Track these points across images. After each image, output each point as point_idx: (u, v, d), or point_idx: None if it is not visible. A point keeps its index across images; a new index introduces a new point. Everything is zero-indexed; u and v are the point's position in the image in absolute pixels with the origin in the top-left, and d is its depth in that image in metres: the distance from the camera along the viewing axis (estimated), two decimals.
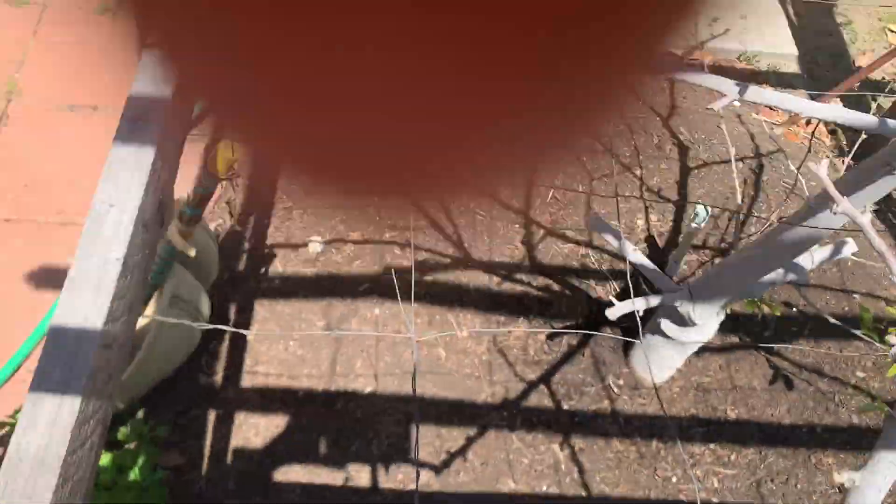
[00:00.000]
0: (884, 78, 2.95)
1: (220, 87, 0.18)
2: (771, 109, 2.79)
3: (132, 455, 1.66)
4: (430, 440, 1.84)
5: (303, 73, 0.16)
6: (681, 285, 1.76)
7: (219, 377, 1.94)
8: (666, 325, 1.81)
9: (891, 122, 0.90)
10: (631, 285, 1.81)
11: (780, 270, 1.71)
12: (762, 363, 2.10)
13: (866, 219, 0.73)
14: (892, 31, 3.16)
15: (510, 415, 1.92)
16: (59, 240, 2.07)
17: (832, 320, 1.76)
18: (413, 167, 0.20)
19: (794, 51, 2.95)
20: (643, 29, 0.16)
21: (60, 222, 2.12)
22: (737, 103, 2.92)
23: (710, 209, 1.83)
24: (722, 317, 1.79)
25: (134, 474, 1.64)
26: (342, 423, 1.85)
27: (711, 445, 1.96)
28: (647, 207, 2.31)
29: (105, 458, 1.62)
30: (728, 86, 0.92)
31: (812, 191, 2.16)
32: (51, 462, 0.75)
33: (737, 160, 2.43)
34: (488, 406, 1.93)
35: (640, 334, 1.34)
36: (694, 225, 1.83)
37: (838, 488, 0.57)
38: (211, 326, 1.12)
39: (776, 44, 2.98)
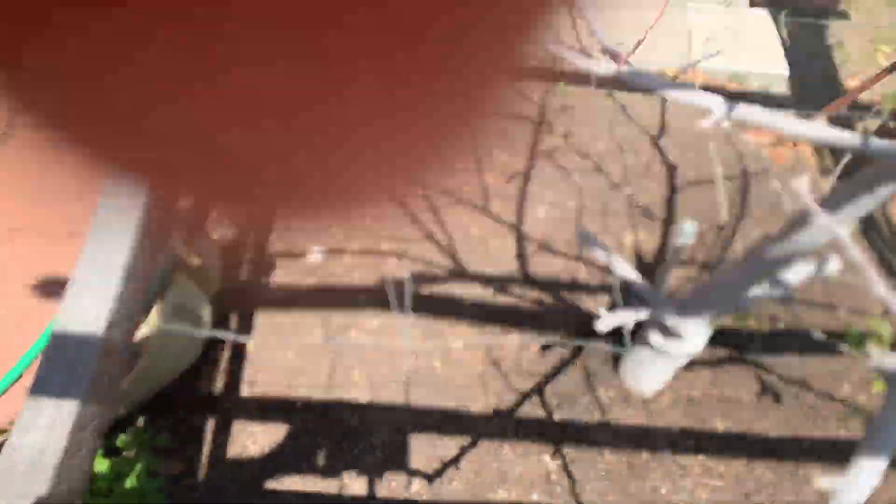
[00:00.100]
0: (873, 100, 3.02)
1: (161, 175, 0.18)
2: (759, 129, 2.85)
3: (130, 462, 1.70)
4: (424, 449, 1.88)
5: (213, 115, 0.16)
6: (669, 299, 1.81)
7: (219, 386, 1.98)
8: (654, 337, 1.86)
9: (873, 141, 0.95)
10: (620, 299, 1.86)
11: (766, 285, 1.76)
12: (750, 377, 2.14)
13: (845, 232, 0.78)
14: (883, 53, 3.23)
15: (503, 425, 1.97)
16: (68, 253, 2.12)
17: (818, 335, 1.81)
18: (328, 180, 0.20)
19: (784, 72, 3.02)
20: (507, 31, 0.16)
21: (69, 231, 2.17)
22: (726, 124, 2.98)
23: (696, 226, 1.89)
24: (710, 330, 1.83)
25: (131, 481, 1.68)
26: (338, 432, 1.89)
27: (700, 457, 2.00)
28: (635, 225, 2.36)
29: (103, 465, 1.65)
30: (716, 103, 0.97)
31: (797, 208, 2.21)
32: (47, 465, 0.77)
33: (724, 179, 2.49)
34: (482, 416, 1.97)
35: (629, 345, 1.38)
36: (681, 241, 1.88)
37: (822, 494, 0.60)
38: (212, 334, 1.16)
39: (767, 64, 3.05)
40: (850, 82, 3.03)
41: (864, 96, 2.98)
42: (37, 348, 1.91)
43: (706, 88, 2.95)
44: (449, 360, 2.05)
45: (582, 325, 2.16)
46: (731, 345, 2.19)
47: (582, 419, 2.01)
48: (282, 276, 2.18)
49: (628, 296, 2.17)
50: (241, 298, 2.13)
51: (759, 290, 1.74)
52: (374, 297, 2.13)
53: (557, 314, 2.18)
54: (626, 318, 1.67)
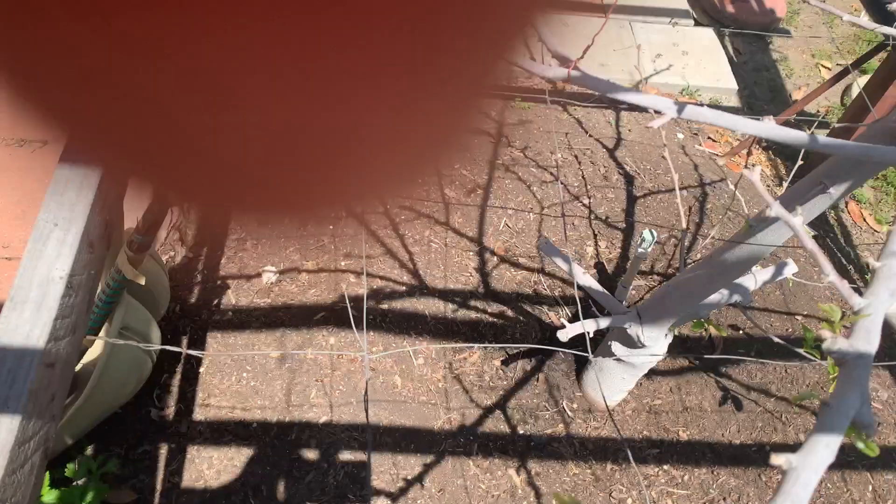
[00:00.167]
0: (818, 111, 3.10)
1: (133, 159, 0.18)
2: (713, 141, 2.90)
3: (80, 491, 1.61)
4: (387, 468, 1.83)
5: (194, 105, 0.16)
6: (629, 308, 1.81)
7: (171, 411, 1.90)
8: (616, 347, 1.85)
9: (819, 137, 0.95)
10: (581, 309, 1.84)
11: (725, 291, 1.77)
12: (711, 385, 2.15)
13: (798, 221, 0.77)
14: (824, 67, 3.33)
15: (467, 441, 1.93)
16: (3, 276, 2.03)
17: (777, 339, 1.82)
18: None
19: (733, 85, 3.08)
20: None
21: (6, 257, 2.08)
22: (680, 135, 3.01)
23: (655, 234, 1.89)
24: (670, 338, 1.83)
25: None
26: (297, 453, 1.83)
27: (665, 466, 1.99)
28: (595, 235, 2.37)
29: (51, 495, 1.57)
30: (666, 104, 0.96)
31: (752, 213, 2.25)
32: None
33: (681, 189, 2.51)
34: (445, 432, 1.93)
35: (590, 354, 1.37)
36: (641, 249, 1.88)
37: (778, 469, 0.59)
38: (162, 348, 1.11)
39: (716, 79, 3.11)
40: (797, 94, 3.11)
41: (811, 107, 3.06)
42: None
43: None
44: (410, 377, 2.01)
45: (544, 338, 2.14)
46: (691, 353, 2.20)
47: (546, 432, 1.98)
48: (234, 297, 2.12)
49: (590, 306, 2.16)
50: (191, 321, 2.06)
51: (718, 297, 1.75)
52: (332, 315, 2.08)
53: (520, 327, 2.16)
54: (588, 327, 1.65)
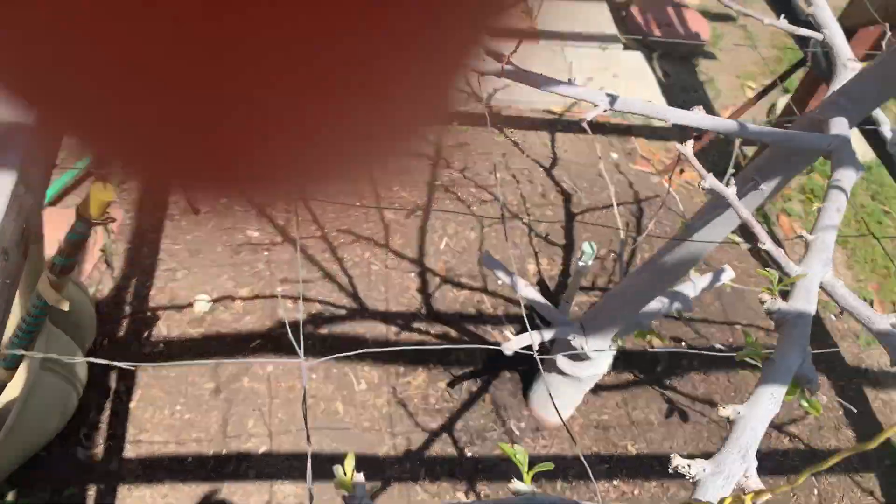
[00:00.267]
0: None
1: (80, 113, 0.17)
2: (646, 160, 2.95)
3: None
4: (331, 497, 1.75)
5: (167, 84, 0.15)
6: (573, 321, 1.79)
7: (99, 449, 1.79)
8: (561, 361, 1.83)
9: (748, 124, 0.96)
10: (526, 325, 1.81)
11: (666, 300, 1.77)
12: (657, 398, 2.15)
13: (731, 191, 0.77)
14: (750, 87, 3.44)
15: (413, 466, 1.87)
16: None
17: (720, 346, 1.83)
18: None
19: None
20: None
21: None
22: (614, 155, 3.05)
23: (595, 247, 1.89)
24: (614, 350, 1.82)
25: None
26: (236, 485, 1.74)
27: (615, 482, 1.97)
28: (536, 252, 2.36)
29: None
30: (598, 96, 0.96)
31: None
32: None
33: (618, 204, 2.54)
34: (390, 458, 1.87)
35: (538, 359, 1.34)
36: (581, 263, 1.88)
37: (726, 420, 0.57)
38: (96, 360, 1.03)
39: (646, 100, 3.17)
40: (724, 113, 3.20)
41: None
42: None
43: (592, 124, 3.04)
44: (353, 403, 1.94)
45: (490, 358, 2.11)
46: (636, 368, 2.20)
47: (494, 453, 1.94)
48: (166, 328, 2.03)
49: (535, 323, 2.14)
50: (120, 354, 1.96)
51: (659, 305, 1.75)
52: (269, 342, 2.01)
53: (464, 348, 2.12)
54: (533, 339, 1.63)
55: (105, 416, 1.84)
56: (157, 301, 2.08)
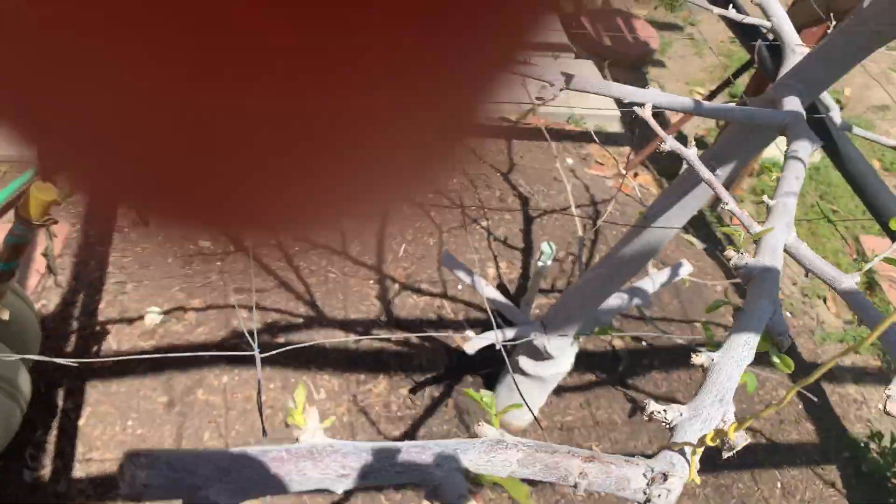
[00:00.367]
0: (696, 134, 3.25)
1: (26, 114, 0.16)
2: (601, 164, 2.98)
3: None
4: None
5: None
6: (534, 321, 1.78)
7: (47, 470, 1.71)
8: (524, 361, 1.82)
9: (704, 103, 0.96)
10: (487, 327, 1.80)
11: (625, 296, 1.77)
12: (620, 398, 2.14)
13: (692, 152, 0.76)
14: (698, 93, 3.51)
15: None
16: None
17: (681, 340, 1.83)
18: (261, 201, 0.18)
19: (616, 112, 3.20)
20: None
21: None
22: (570, 160, 3.06)
23: (554, 247, 1.89)
24: (576, 348, 1.81)
25: None
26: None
27: None
28: (496, 256, 2.35)
29: None
30: (555, 75, 0.95)
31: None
32: None
33: (575, 207, 2.55)
34: None
35: (504, 355, 1.32)
36: (541, 263, 1.87)
37: (700, 368, 0.56)
38: (37, 357, 0.98)
39: (600, 107, 3.21)
40: (674, 118, 3.25)
41: (689, 131, 3.20)
42: None
43: (548, 130, 3.06)
44: None
45: (452, 363, 2.09)
46: (598, 368, 2.19)
47: None
48: (115, 342, 1.96)
49: (497, 324, 2.13)
50: (67, 371, 1.88)
51: (619, 302, 1.75)
52: (223, 354, 1.95)
53: (426, 354, 2.09)
54: (494, 337, 1.61)
55: (52, 434, 1.76)
56: (106, 315, 2.01)
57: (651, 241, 1.44)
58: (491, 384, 2.04)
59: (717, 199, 2.89)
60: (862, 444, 2.18)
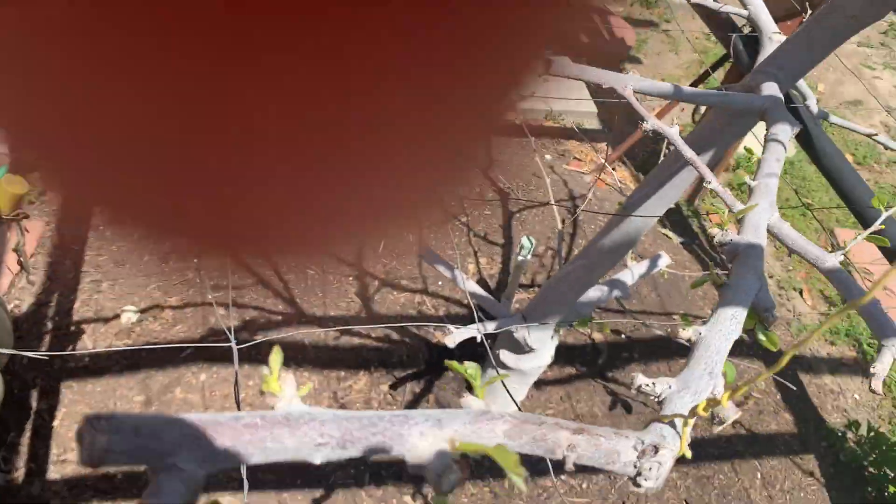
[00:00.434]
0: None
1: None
2: (579, 160, 2.99)
3: None
4: None
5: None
6: (514, 314, 1.78)
7: (20, 473, 1.67)
8: (505, 355, 1.81)
9: (682, 87, 0.96)
10: (468, 322, 1.79)
11: (605, 288, 1.78)
12: (600, 391, 2.15)
13: (674, 130, 0.76)
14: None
15: (357, 471, 1.81)
16: None
17: (658, 331, 1.84)
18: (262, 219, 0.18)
19: (593, 109, 3.21)
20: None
21: None
22: (548, 156, 3.06)
23: (534, 241, 1.89)
24: (556, 341, 1.81)
25: None
26: None
27: (563, 477, 1.95)
28: (476, 252, 2.35)
29: None
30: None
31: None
32: None
33: (554, 202, 2.56)
34: (333, 465, 1.81)
35: (487, 346, 1.31)
36: (521, 257, 1.87)
37: (686, 342, 0.56)
38: (7, 352, 0.95)
39: (577, 103, 3.23)
40: (651, 113, 3.27)
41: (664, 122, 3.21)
42: None
43: (526, 127, 3.06)
44: None
45: (432, 358, 2.08)
46: (578, 362, 2.19)
47: None
48: (91, 342, 1.92)
49: (478, 319, 2.12)
50: (42, 372, 1.85)
51: (598, 293, 1.75)
52: (201, 352, 1.92)
53: (406, 349, 2.08)
54: (475, 331, 1.61)
55: (26, 437, 1.73)
56: (81, 314, 1.98)
57: (630, 232, 1.44)
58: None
59: (693, 194, 2.91)
60: (839, 434, 2.21)
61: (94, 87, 0.13)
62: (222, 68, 0.13)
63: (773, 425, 2.17)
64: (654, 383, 0.46)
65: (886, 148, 1.33)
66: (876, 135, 1.29)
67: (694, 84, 2.64)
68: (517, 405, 1.28)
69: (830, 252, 0.68)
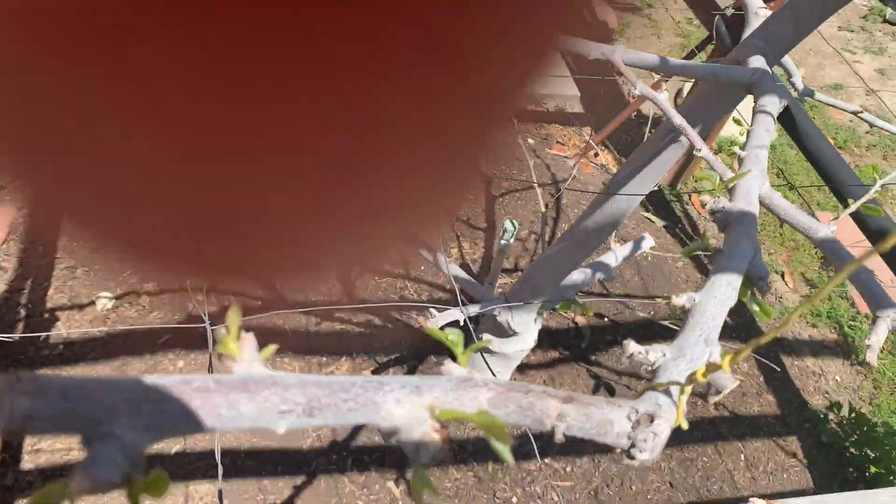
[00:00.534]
0: (654, 113, 3.26)
1: None
2: (561, 144, 2.97)
3: None
4: (253, 495, 1.65)
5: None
6: (497, 297, 1.76)
7: None
8: (488, 338, 1.80)
9: (669, 59, 0.94)
10: (460, 303, 1.77)
11: (588, 270, 1.76)
12: (583, 374, 2.14)
13: (663, 97, 0.74)
14: (654, 75, 3.53)
15: (339, 457, 1.79)
16: None
17: (641, 314, 1.83)
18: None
19: (576, 92, 3.19)
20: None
21: None
22: (531, 140, 3.04)
23: (517, 224, 1.87)
24: (539, 325, 1.80)
25: None
26: None
27: (547, 460, 1.94)
28: (458, 236, 2.32)
29: None
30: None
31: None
32: None
33: (538, 185, 2.54)
34: (315, 450, 1.78)
35: (473, 334, 1.29)
36: (504, 241, 1.85)
37: (680, 310, 0.54)
38: None
39: (561, 87, 3.20)
40: (632, 98, 3.26)
41: (649, 110, 3.21)
42: None
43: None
44: None
45: (415, 343, 2.05)
46: (561, 346, 2.18)
47: None
48: (66, 329, 1.88)
49: (461, 303, 2.10)
50: (15, 360, 1.80)
51: (582, 276, 1.74)
52: (178, 338, 1.89)
53: (388, 335, 2.06)
54: (458, 313, 1.59)
55: None
56: (55, 301, 1.94)
57: (615, 212, 1.42)
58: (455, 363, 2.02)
59: (675, 178, 2.91)
60: (821, 416, 2.21)
61: (68, 102, 0.13)
62: (222, 68, 0.12)
63: (756, 407, 2.18)
64: (646, 351, 0.44)
65: (871, 125, 1.32)
66: (861, 112, 1.28)
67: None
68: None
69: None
